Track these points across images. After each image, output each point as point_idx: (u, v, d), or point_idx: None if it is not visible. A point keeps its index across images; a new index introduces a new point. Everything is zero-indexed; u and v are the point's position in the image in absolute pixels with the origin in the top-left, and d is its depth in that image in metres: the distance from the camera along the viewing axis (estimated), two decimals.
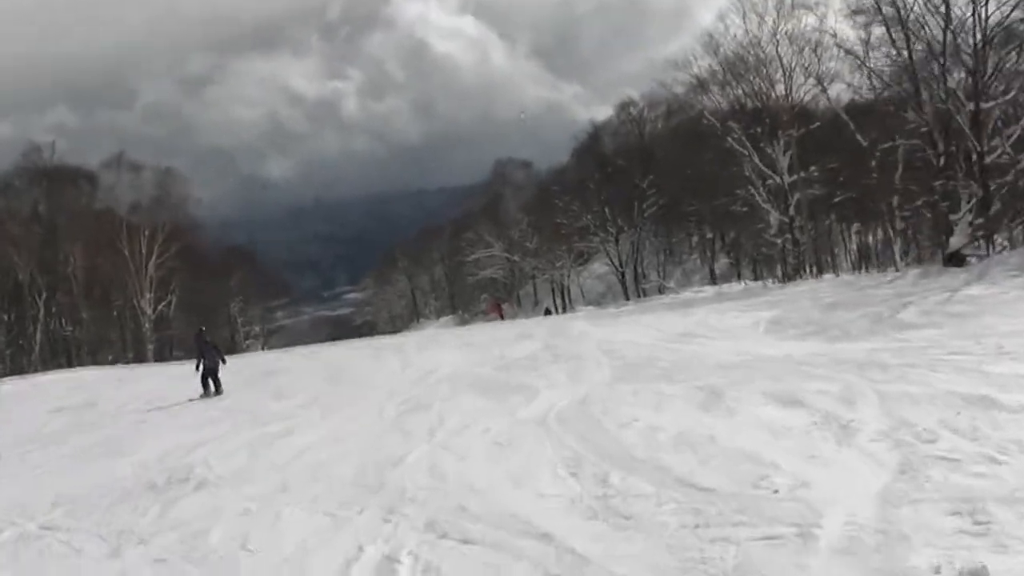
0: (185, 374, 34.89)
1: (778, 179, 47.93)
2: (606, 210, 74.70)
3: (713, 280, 76.83)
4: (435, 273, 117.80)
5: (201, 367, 24.90)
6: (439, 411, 15.02)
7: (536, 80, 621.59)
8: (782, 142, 47.67)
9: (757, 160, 48.04)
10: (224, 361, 25.81)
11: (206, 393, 24.51)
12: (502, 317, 71.38)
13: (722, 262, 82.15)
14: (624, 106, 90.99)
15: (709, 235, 77.28)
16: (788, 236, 48.75)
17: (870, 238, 64.68)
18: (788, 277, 48.78)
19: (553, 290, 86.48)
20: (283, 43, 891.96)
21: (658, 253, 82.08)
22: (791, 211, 47.91)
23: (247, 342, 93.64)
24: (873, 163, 44.64)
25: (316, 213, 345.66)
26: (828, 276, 46.34)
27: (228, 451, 13.84)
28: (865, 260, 59.69)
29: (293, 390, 22.76)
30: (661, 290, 73.15)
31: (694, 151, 73.97)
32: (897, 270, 41.47)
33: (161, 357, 64.60)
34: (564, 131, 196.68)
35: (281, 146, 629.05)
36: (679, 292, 63.40)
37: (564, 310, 79.29)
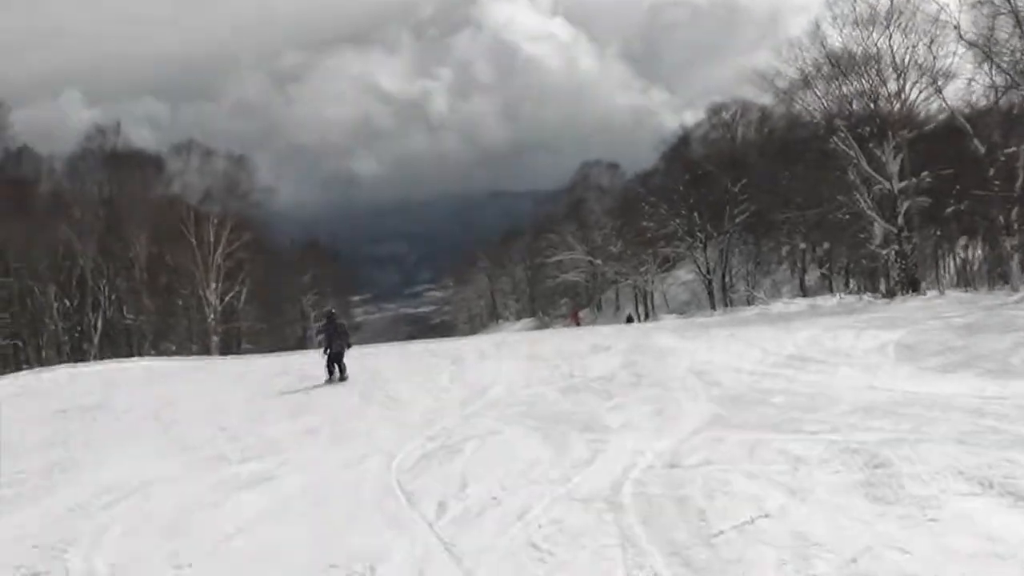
0: (238, 372, 31.33)
1: (887, 185, 42.47)
2: (695, 215, 69.55)
3: (803, 292, 71.46)
4: (516, 274, 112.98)
5: (328, 351, 23.63)
6: (467, 463, 10.48)
7: (624, 85, 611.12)
8: (892, 144, 42.29)
9: (864, 164, 42.66)
10: (350, 346, 24.52)
11: (331, 378, 23.27)
12: (578, 324, 66.72)
13: (812, 274, 76.59)
14: (716, 110, 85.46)
15: (802, 245, 71.67)
16: (895, 248, 43.27)
17: (973, 253, 58.79)
18: (892, 293, 43.49)
19: (636, 296, 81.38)
20: (373, 41, 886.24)
21: (747, 262, 76.38)
22: (899, 221, 42.39)
23: (319, 337, 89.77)
24: (991, 171, 39.45)
25: (401, 211, 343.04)
26: (932, 293, 41.05)
27: (149, 512, 9.48)
28: (969, 277, 53.80)
29: (314, 406, 18.53)
30: (750, 301, 67.83)
31: (789, 159, 69.32)
32: (1015, 289, 36.26)
33: (228, 350, 61.40)
34: (652, 137, 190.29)
35: (368, 144, 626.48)
36: (769, 304, 58.28)
37: (647, 317, 74.45)
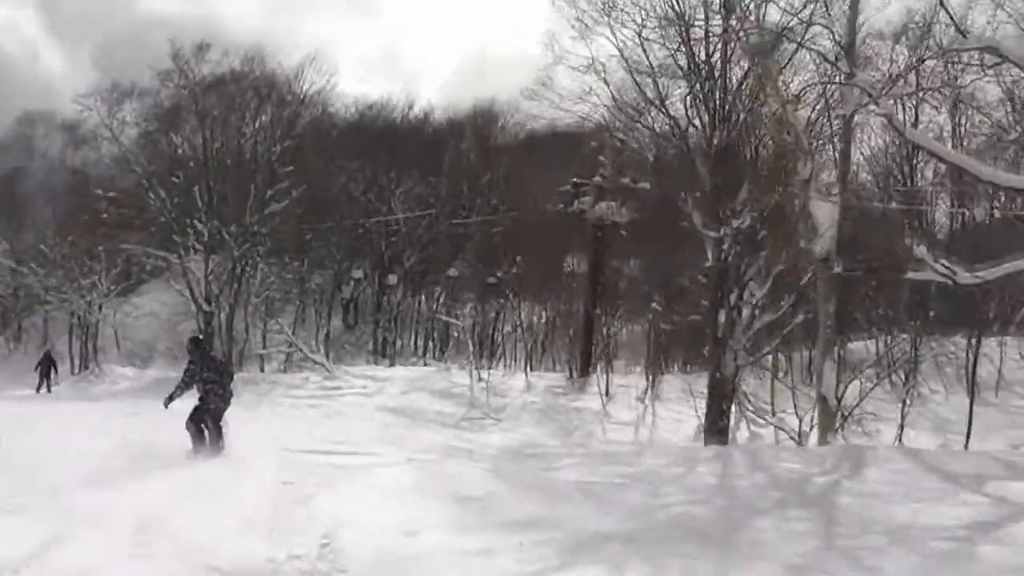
0: None
1: None
2: (196, 192, 33.93)
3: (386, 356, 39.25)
4: None
5: (196, 399, 11.22)
6: None
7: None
8: None
9: None
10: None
11: (196, 447, 10.91)
12: None
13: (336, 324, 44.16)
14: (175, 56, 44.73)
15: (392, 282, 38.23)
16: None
17: None
18: None
19: (72, 329, 42.68)
20: None
21: (264, 291, 41.37)
22: None
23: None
24: None
25: None
26: None
27: None
28: None
29: None
30: (281, 360, 34.13)
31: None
32: None
33: None
34: None
35: None
36: (338, 378, 25.03)
37: (84, 366, 38.09)
